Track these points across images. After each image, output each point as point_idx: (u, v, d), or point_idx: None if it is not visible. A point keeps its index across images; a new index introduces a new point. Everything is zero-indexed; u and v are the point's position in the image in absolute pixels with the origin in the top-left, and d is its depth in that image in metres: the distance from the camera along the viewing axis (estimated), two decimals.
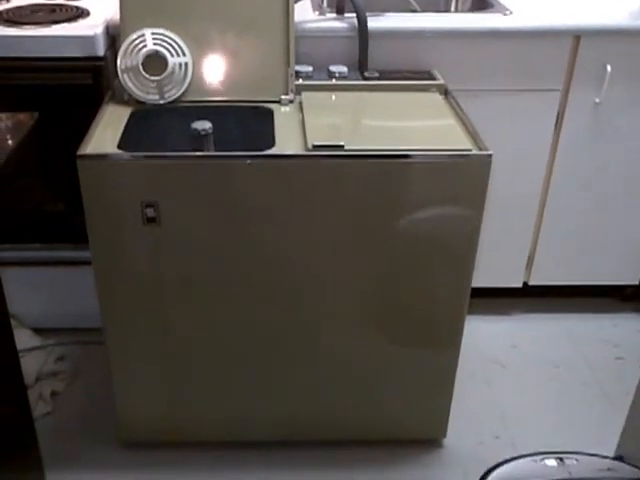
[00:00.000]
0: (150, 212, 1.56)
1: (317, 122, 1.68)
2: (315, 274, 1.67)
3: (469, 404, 2.12)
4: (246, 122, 1.84)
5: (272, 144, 1.61)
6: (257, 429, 1.91)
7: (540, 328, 2.46)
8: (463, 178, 1.56)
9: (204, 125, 1.72)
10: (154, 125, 1.81)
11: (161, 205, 1.55)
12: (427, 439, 1.98)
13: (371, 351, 1.78)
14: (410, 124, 1.71)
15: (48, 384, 2.08)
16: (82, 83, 1.85)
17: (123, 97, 1.80)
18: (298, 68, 1.89)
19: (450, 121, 1.71)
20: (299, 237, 1.63)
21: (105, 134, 1.65)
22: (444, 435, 1.97)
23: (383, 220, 1.61)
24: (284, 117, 1.77)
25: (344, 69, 1.92)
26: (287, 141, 1.62)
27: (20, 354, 2.13)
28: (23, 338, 2.19)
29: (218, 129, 1.74)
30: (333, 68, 1.92)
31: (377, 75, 1.93)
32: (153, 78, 1.76)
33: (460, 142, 1.59)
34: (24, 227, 2.16)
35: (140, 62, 1.75)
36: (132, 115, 1.76)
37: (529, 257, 2.37)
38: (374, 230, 1.62)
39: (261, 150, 1.58)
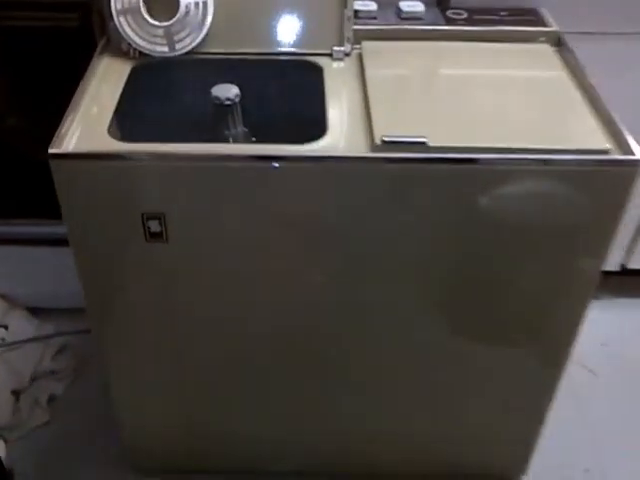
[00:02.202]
0: (154, 225, 1.13)
1: (384, 96, 1.20)
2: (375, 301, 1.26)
3: (552, 424, 1.74)
4: (285, 85, 1.38)
5: (322, 130, 1.15)
6: (289, 458, 1.57)
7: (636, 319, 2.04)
8: (596, 191, 1.09)
9: (229, 91, 1.27)
10: (160, 90, 1.35)
11: (168, 216, 1.13)
12: (501, 476, 1.62)
13: (445, 353, 1.36)
14: (515, 100, 1.22)
15: (45, 386, 1.74)
16: (66, 26, 1.38)
17: (121, 46, 1.33)
18: (358, 6, 1.39)
19: (572, 96, 1.21)
20: (352, 268, 1.21)
21: (92, 107, 1.20)
22: (524, 472, 1.60)
23: (476, 249, 1.18)
24: (337, 79, 1.29)
25: (419, 7, 1.41)
26: (342, 124, 1.16)
27: (12, 347, 1.80)
28: (17, 323, 1.85)
29: (247, 95, 1.28)
30: (404, 5, 1.41)
31: (464, 16, 1.42)
32: (159, 24, 1.29)
33: (592, 137, 1.11)
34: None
35: (141, 1, 1.27)
36: (131, 74, 1.30)
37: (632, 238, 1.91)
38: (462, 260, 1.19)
39: (309, 138, 1.13)
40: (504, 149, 1.07)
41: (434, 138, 1.08)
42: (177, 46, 1.31)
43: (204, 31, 1.31)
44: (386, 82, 1.24)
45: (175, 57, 1.32)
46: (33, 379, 1.74)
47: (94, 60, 1.31)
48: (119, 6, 1.28)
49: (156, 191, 1.11)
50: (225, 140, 1.30)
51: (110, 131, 1.14)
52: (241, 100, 1.27)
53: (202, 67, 1.36)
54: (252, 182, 1.10)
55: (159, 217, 1.12)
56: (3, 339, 1.80)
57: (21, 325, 1.84)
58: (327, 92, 1.25)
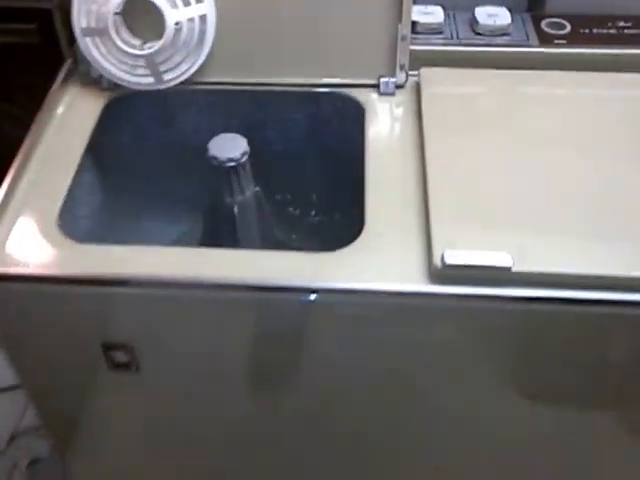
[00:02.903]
0: (120, 356, 0.81)
1: (449, 173, 0.82)
2: None
3: None
4: (311, 133, 1.02)
5: (355, 219, 0.81)
6: None
7: None
8: None
9: (233, 147, 0.92)
10: (141, 140, 1.01)
11: (139, 347, 0.80)
12: None
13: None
14: None
15: (27, 446, 1.48)
16: (23, 43, 1.02)
17: (90, 73, 0.98)
18: (417, 16, 1.00)
19: None
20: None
21: (42, 174, 0.86)
22: None
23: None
24: (385, 126, 0.93)
25: (503, 17, 1.01)
26: (386, 219, 0.80)
27: None
28: None
29: (258, 144, 0.93)
30: (482, 14, 1.02)
31: (567, 30, 1.01)
32: (137, 52, 0.93)
33: None
34: None
35: (111, 19, 0.90)
36: (103, 115, 0.95)
37: None
38: None
39: (341, 243, 0.78)
40: None
41: (525, 256, 0.72)
42: (165, 76, 0.95)
43: (203, 55, 0.95)
44: (453, 145, 0.87)
45: (164, 90, 0.96)
46: (13, 437, 1.48)
47: (54, 91, 0.96)
48: (83, 23, 0.92)
49: (123, 320, 0.78)
50: (228, 209, 0.96)
51: (63, 220, 0.80)
52: (250, 157, 0.92)
53: (200, 104, 1.00)
54: (253, 314, 0.77)
55: (125, 347, 0.80)
56: None
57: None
58: (368, 151, 0.89)
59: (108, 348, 0.80)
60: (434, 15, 1.01)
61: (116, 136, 0.98)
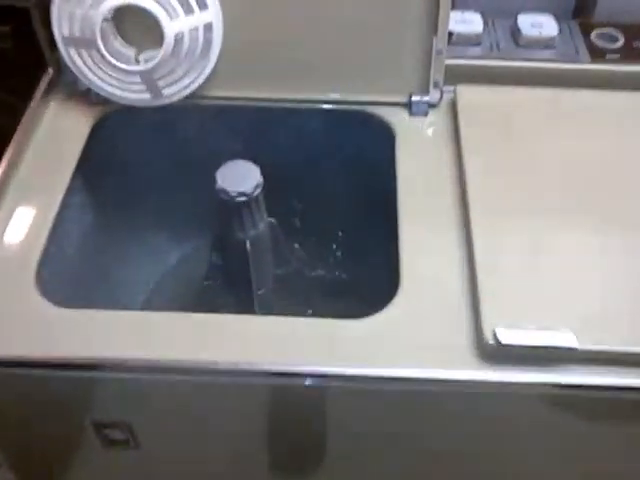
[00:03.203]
0: (115, 434, 0.70)
1: (498, 226, 0.72)
2: None
3: None
4: (332, 158, 0.90)
5: (394, 281, 0.69)
6: None
7: None
8: None
9: (244, 178, 0.80)
10: (136, 164, 0.88)
11: (137, 425, 0.69)
12: None
13: None
14: None
15: None
16: None
17: (77, 85, 0.85)
18: (453, 25, 0.87)
19: None
20: None
21: (18, 217, 0.73)
22: None
23: None
24: (419, 153, 0.81)
25: (550, 27, 0.88)
26: (426, 276, 0.69)
27: None
28: None
29: (270, 175, 0.81)
30: (525, 23, 0.89)
31: (620, 42, 0.89)
32: (131, 68, 0.79)
33: None
34: None
35: (99, 29, 0.76)
36: (91, 137, 0.82)
37: None
38: None
39: (369, 294, 0.68)
40: None
41: (589, 332, 0.62)
42: (165, 92, 0.82)
43: (208, 68, 0.82)
44: (498, 182, 0.76)
45: (164, 105, 0.83)
46: None
47: (34, 107, 0.83)
48: (65, 31, 0.78)
49: (118, 402, 0.67)
50: (239, 244, 0.84)
51: (42, 274, 0.68)
52: (263, 190, 0.80)
53: (205, 121, 0.87)
54: (263, 397, 0.66)
55: (120, 425, 0.69)
56: None
57: None
58: (400, 183, 0.77)
59: (102, 426, 0.69)
60: (472, 24, 0.88)
61: (108, 161, 0.85)
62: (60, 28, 0.77)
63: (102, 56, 0.77)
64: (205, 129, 0.88)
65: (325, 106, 0.86)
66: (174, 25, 0.76)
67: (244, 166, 0.81)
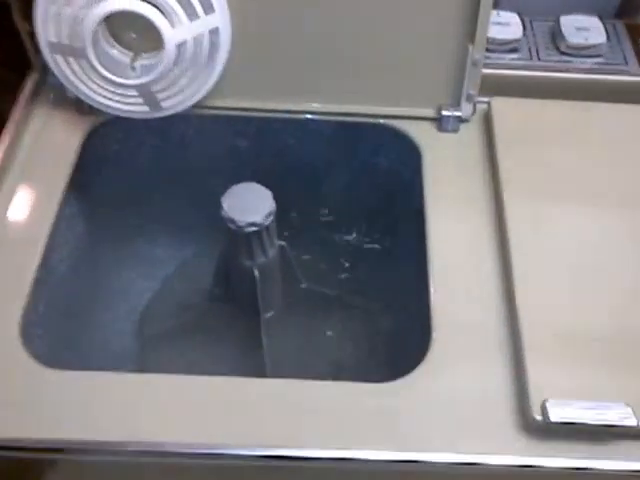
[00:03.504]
0: None
1: (542, 270, 0.63)
2: None
3: None
4: (351, 179, 0.82)
5: (424, 334, 0.62)
6: None
7: None
8: None
9: (255, 205, 0.72)
10: (135, 182, 0.80)
11: None
12: None
13: None
14: None
15: None
16: None
17: (65, 93, 0.75)
18: (494, 31, 0.77)
19: None
20: None
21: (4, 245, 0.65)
22: None
23: None
24: (449, 179, 0.72)
25: (597, 34, 0.79)
26: (458, 322, 0.61)
27: None
28: None
29: (281, 197, 0.73)
30: (569, 27, 0.79)
31: None
32: (127, 81, 0.69)
33: None
34: None
35: (90, 39, 0.66)
36: (82, 154, 0.73)
37: None
38: None
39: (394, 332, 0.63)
40: None
41: None
42: (165, 104, 0.72)
43: (213, 77, 0.72)
44: (542, 216, 0.67)
45: (163, 119, 0.74)
46: None
47: (17, 117, 0.73)
48: (52, 35, 0.68)
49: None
50: (246, 272, 0.76)
51: (28, 326, 0.60)
52: (275, 217, 0.72)
53: (209, 135, 0.78)
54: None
55: None
56: None
57: None
58: (429, 214, 0.69)
59: None
60: (510, 28, 0.78)
61: (102, 179, 0.76)
62: (45, 32, 0.67)
63: (93, 67, 0.67)
64: (210, 142, 0.79)
65: (341, 119, 0.77)
66: (176, 33, 0.66)
67: (254, 190, 0.72)
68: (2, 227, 0.67)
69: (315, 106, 0.76)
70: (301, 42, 0.73)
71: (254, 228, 0.70)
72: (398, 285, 0.78)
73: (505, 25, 0.79)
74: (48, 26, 0.67)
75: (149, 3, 0.65)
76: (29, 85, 0.76)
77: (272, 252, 0.76)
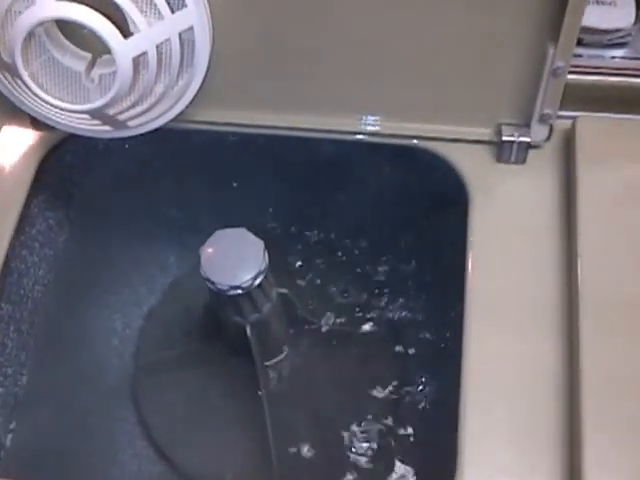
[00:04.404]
0: None
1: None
2: None
3: None
4: (369, 222, 0.64)
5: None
6: None
7: None
8: None
9: (242, 263, 0.57)
10: (103, 220, 0.65)
11: None
12: None
13: None
14: None
15: None
16: None
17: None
18: (591, 16, 0.54)
19: None
20: None
21: None
22: None
23: None
24: (505, 230, 0.53)
25: None
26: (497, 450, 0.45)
27: None
28: None
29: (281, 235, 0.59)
30: None
31: None
32: (72, 107, 0.52)
33: None
34: None
35: (19, 55, 0.49)
36: (40, 173, 0.58)
37: None
38: None
39: None
40: None
41: None
42: (132, 123, 0.55)
43: (192, 89, 0.54)
44: (629, 288, 0.48)
45: (131, 139, 0.57)
46: None
47: None
48: None
49: None
50: (237, 329, 0.61)
51: None
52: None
53: (191, 155, 0.61)
54: None
55: None
56: None
57: None
58: (473, 272, 0.51)
59: None
60: (617, 11, 0.54)
61: (62, 205, 0.62)
62: None
63: (28, 87, 0.51)
64: (192, 164, 0.62)
65: (360, 137, 0.58)
66: (130, 44, 0.48)
67: (240, 238, 0.56)
68: None
69: (325, 121, 0.57)
70: (309, 39, 0.53)
71: (239, 291, 0.55)
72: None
73: (609, 6, 0.55)
74: None
75: (89, 6, 0.47)
76: None
77: (268, 306, 0.61)
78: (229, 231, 0.56)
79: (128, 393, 0.70)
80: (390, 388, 0.64)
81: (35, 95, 0.51)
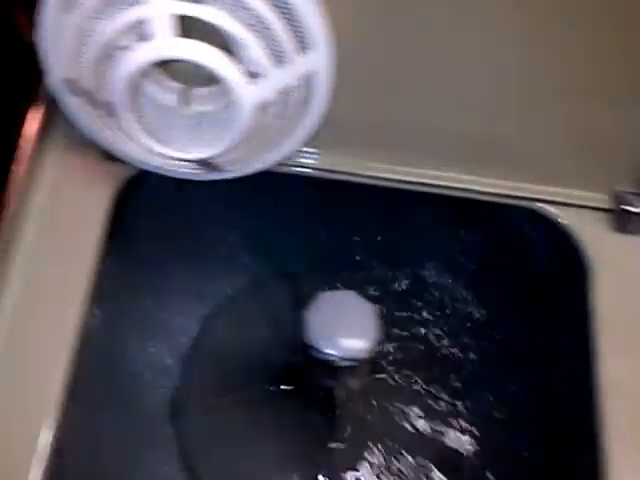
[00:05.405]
0: None
1: None
2: None
3: None
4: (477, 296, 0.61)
5: None
6: None
7: None
8: None
9: (354, 333, 0.53)
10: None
11: None
12: None
13: None
14: None
15: None
16: None
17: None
18: None
19: None
20: None
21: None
22: None
23: None
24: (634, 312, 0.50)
25: None
26: None
27: None
28: None
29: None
30: None
31: None
32: (176, 155, 0.45)
33: None
34: None
35: (125, 97, 0.42)
36: (115, 211, 0.52)
37: None
38: None
39: None
40: None
41: None
42: (230, 167, 0.49)
43: (300, 135, 0.48)
44: None
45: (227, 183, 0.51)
46: None
47: (29, 158, 0.51)
48: (66, 70, 0.44)
49: None
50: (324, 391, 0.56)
51: None
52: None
53: (286, 201, 0.56)
54: None
55: None
56: None
57: None
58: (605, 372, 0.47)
59: None
60: None
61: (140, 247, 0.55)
62: (58, 62, 0.43)
63: (125, 132, 0.44)
64: (287, 210, 0.56)
65: (466, 195, 0.53)
66: (254, 91, 0.42)
67: (353, 304, 0.50)
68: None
69: (434, 174, 0.53)
70: (429, 89, 0.48)
71: (349, 363, 0.50)
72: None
73: None
74: (61, 55, 0.43)
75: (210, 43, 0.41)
76: (38, 116, 0.52)
77: (365, 369, 0.56)
78: (336, 294, 0.50)
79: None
80: None
81: (135, 139, 0.44)
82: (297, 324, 0.53)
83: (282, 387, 0.62)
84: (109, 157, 0.51)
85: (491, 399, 0.58)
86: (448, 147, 0.52)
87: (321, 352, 0.49)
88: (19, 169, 0.49)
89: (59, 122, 0.52)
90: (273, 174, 0.51)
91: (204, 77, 0.47)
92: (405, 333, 0.60)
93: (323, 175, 0.53)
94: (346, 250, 0.58)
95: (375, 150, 0.52)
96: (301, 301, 0.54)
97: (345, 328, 0.49)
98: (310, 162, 0.52)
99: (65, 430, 0.46)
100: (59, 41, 0.42)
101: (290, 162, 0.52)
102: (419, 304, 0.60)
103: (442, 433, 0.60)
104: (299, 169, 0.53)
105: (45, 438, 0.44)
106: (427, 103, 0.49)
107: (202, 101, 0.48)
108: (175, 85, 0.48)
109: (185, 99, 0.48)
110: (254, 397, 0.64)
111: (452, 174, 0.53)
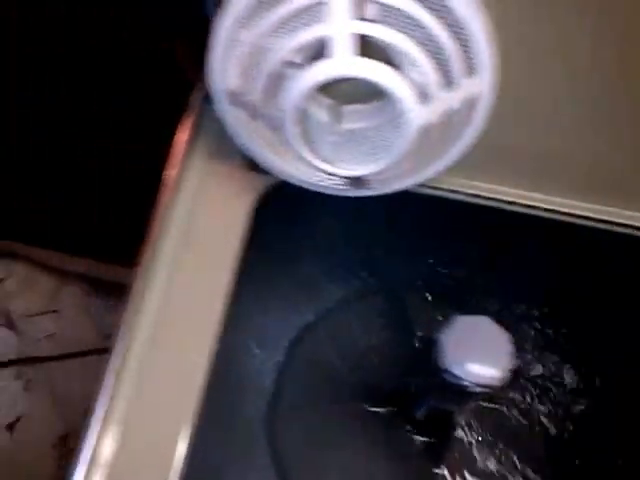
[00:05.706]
0: None
1: None
2: None
3: None
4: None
5: None
6: None
7: None
8: None
9: (488, 361, 0.52)
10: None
11: None
12: None
13: None
14: None
15: None
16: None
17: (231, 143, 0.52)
18: None
19: None
20: None
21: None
22: None
23: None
24: None
25: None
26: None
27: None
28: None
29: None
30: None
31: None
32: (335, 171, 0.45)
33: None
34: None
35: (293, 114, 0.42)
36: (255, 218, 0.52)
37: None
38: None
39: None
40: None
41: None
42: (374, 185, 0.49)
43: (451, 157, 0.48)
44: None
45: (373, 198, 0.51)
46: None
47: (177, 168, 0.52)
48: (231, 82, 0.44)
49: None
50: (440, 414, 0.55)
51: None
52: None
53: (428, 221, 0.55)
54: None
55: None
56: None
57: None
58: None
59: None
60: None
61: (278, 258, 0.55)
62: (223, 74, 0.44)
63: (289, 148, 0.44)
64: (428, 231, 0.56)
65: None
66: (422, 112, 0.42)
67: (486, 330, 0.50)
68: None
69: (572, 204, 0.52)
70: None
71: (484, 390, 0.49)
72: None
73: None
74: (228, 67, 0.44)
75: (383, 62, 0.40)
76: (190, 118, 0.53)
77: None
78: (471, 319, 0.50)
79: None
80: None
81: (297, 152, 0.44)
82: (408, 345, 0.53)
83: (385, 407, 0.62)
84: (252, 167, 0.52)
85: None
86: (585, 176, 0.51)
87: (455, 377, 0.48)
88: (171, 173, 0.50)
89: (206, 132, 0.54)
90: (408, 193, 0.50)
91: (351, 94, 0.48)
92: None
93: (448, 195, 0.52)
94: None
95: (505, 174, 0.51)
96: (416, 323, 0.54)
97: (481, 354, 0.48)
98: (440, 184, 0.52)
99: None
100: (230, 55, 0.42)
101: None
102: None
103: None
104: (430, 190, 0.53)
105: (180, 451, 0.45)
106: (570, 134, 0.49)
107: (352, 118, 0.48)
108: (325, 100, 0.49)
109: (336, 115, 0.48)
110: (358, 414, 0.64)
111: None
